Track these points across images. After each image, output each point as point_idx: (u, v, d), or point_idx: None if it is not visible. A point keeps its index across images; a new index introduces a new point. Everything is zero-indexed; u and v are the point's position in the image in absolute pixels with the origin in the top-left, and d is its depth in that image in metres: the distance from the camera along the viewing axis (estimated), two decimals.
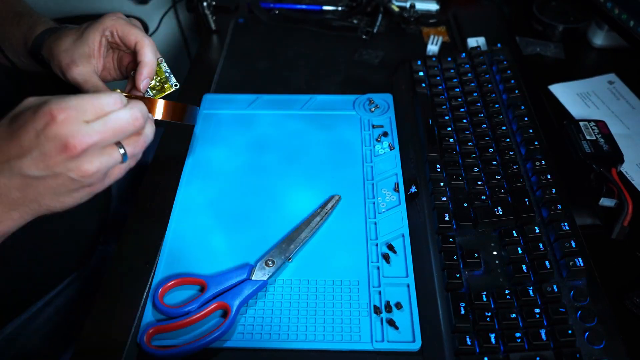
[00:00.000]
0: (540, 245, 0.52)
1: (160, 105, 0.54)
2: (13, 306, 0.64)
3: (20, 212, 0.43)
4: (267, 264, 0.54)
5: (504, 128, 0.64)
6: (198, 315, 0.50)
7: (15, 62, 0.66)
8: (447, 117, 0.66)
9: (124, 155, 0.45)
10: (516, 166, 0.60)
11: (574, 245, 0.51)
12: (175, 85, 0.60)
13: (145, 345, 0.47)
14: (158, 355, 0.47)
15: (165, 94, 0.59)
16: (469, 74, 0.73)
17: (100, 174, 0.44)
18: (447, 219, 0.55)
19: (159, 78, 0.59)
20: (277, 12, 0.91)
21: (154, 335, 0.49)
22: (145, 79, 0.57)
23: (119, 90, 0.50)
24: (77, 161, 0.42)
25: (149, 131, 0.48)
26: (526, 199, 0.56)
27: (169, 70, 0.59)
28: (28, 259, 0.63)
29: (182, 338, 0.49)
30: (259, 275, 0.53)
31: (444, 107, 0.68)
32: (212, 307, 0.50)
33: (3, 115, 0.43)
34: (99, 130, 0.42)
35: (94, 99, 0.43)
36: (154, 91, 0.59)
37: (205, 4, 0.85)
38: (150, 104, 0.53)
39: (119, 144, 0.45)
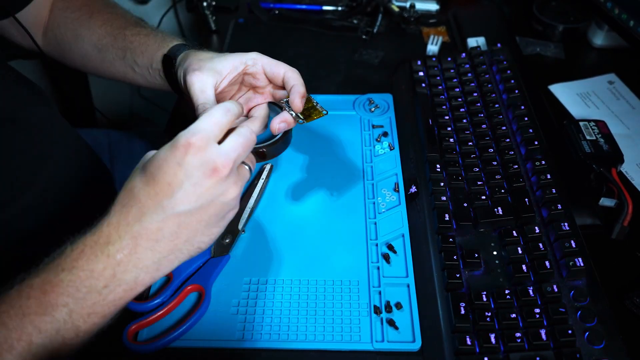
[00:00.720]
0: (540, 245, 0.52)
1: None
2: None
3: (171, 258, 0.43)
4: (223, 240, 0.56)
5: (504, 128, 0.64)
6: (173, 302, 0.50)
7: (138, 79, 0.65)
8: (447, 117, 0.66)
9: (250, 171, 0.46)
10: (516, 166, 0.60)
11: (574, 245, 0.51)
12: (325, 112, 0.56)
13: (130, 343, 0.47)
14: (145, 350, 0.48)
15: (314, 119, 0.55)
16: (469, 74, 0.73)
17: (238, 194, 0.44)
18: (447, 219, 0.55)
19: (307, 106, 0.56)
20: (277, 12, 0.91)
21: (136, 331, 0.49)
22: (298, 98, 0.53)
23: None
24: (225, 183, 0.42)
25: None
26: (526, 199, 0.56)
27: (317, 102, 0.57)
28: (31, 261, 0.63)
29: (165, 327, 0.49)
30: (219, 252, 0.55)
31: (444, 107, 0.68)
32: (186, 291, 0.51)
33: None
34: (234, 147, 0.43)
35: (212, 118, 0.43)
36: (302, 116, 0.55)
37: (205, 4, 0.86)
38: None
39: (244, 162, 0.46)
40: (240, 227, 0.57)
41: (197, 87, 0.52)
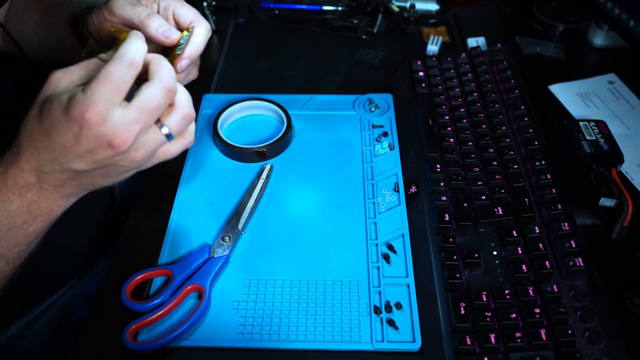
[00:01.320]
0: (540, 245, 0.52)
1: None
2: (16, 308, 0.64)
3: (76, 195, 0.45)
4: (223, 240, 0.56)
5: (504, 128, 0.64)
6: (173, 302, 0.50)
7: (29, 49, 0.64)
8: (447, 117, 0.66)
9: (169, 135, 0.43)
10: (516, 166, 0.60)
11: (574, 245, 0.51)
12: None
13: (130, 343, 0.47)
14: (146, 350, 0.48)
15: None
16: (469, 74, 0.72)
17: (148, 156, 0.43)
18: (447, 219, 0.55)
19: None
20: (277, 12, 0.91)
21: (136, 331, 0.49)
22: (185, 60, 0.50)
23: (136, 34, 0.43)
24: (125, 154, 0.41)
25: (184, 99, 0.44)
26: (526, 199, 0.56)
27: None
28: (32, 261, 0.63)
29: (165, 327, 0.49)
30: (219, 252, 0.55)
31: (444, 107, 0.68)
32: (186, 290, 0.51)
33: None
34: (136, 119, 0.40)
35: (112, 79, 0.39)
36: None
37: (205, 4, 0.85)
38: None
39: (158, 123, 0.42)
40: (240, 227, 0.57)
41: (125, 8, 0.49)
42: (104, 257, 0.74)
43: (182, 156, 0.66)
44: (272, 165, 0.64)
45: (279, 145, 0.63)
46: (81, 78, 0.42)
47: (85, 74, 0.43)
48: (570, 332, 0.46)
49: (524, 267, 0.51)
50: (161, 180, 0.64)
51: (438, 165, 0.60)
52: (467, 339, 0.46)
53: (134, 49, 0.41)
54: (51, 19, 0.63)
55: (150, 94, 0.40)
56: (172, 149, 0.45)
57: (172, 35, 0.50)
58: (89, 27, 0.55)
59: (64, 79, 0.42)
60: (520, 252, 0.52)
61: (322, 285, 0.53)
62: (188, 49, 0.50)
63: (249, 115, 0.71)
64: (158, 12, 0.52)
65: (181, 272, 0.53)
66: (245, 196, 0.60)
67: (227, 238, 0.56)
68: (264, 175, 0.62)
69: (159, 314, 0.50)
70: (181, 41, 0.50)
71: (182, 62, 0.50)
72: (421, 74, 0.73)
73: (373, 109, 0.72)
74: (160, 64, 0.42)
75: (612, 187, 0.60)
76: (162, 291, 0.51)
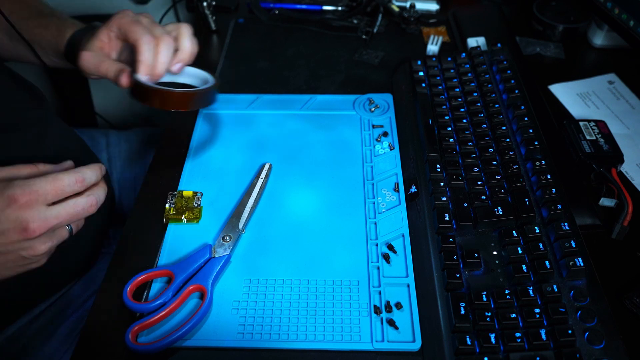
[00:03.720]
0: (540, 245, 0.52)
1: (167, 97, 0.57)
2: (16, 307, 0.64)
3: None
4: (224, 240, 0.56)
5: (504, 128, 0.64)
6: (175, 303, 0.50)
7: (45, 61, 0.69)
8: (447, 117, 0.66)
9: (70, 232, 0.49)
10: (516, 166, 0.60)
11: (574, 245, 0.51)
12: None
13: (132, 344, 0.47)
14: (148, 351, 0.48)
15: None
16: (469, 74, 0.73)
17: (49, 251, 0.48)
18: (447, 219, 0.55)
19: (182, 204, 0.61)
20: (277, 12, 0.91)
21: (138, 332, 0.49)
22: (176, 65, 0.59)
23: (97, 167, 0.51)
24: (32, 242, 0.45)
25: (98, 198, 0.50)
26: (526, 199, 0.56)
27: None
28: None
29: (167, 327, 0.49)
30: (220, 252, 0.55)
31: (444, 107, 0.68)
32: (188, 290, 0.51)
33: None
34: (57, 216, 0.46)
35: (54, 182, 0.46)
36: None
37: (205, 4, 0.85)
38: (156, 95, 0.56)
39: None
40: (240, 226, 0.57)
41: (89, 66, 0.59)
42: (103, 257, 0.74)
43: (182, 156, 0.66)
44: (270, 165, 0.64)
45: (203, 97, 0.60)
46: (9, 175, 0.48)
47: (14, 174, 0.48)
48: (570, 332, 0.46)
49: (524, 267, 0.51)
50: (161, 180, 0.64)
51: (438, 165, 0.60)
52: (467, 339, 0.46)
53: (90, 175, 0.49)
54: (36, 25, 0.66)
55: (77, 202, 0.47)
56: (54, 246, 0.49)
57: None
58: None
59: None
60: (520, 252, 0.52)
61: (322, 285, 0.53)
62: (179, 55, 0.59)
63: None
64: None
65: (182, 272, 0.52)
66: (245, 196, 0.60)
67: (227, 238, 0.56)
68: (263, 174, 0.62)
69: (161, 314, 0.49)
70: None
71: (175, 67, 0.59)
72: (421, 74, 0.73)
73: (373, 109, 0.72)
74: (100, 186, 0.50)
75: (612, 187, 0.60)
76: (164, 292, 0.51)
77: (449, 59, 0.76)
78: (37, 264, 0.49)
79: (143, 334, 0.49)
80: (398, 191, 0.61)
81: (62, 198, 0.47)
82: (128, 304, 0.50)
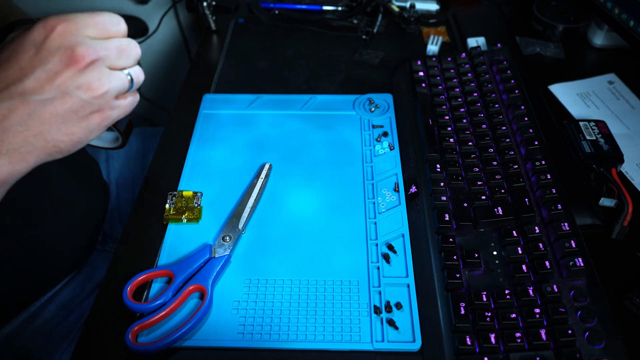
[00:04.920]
0: (540, 245, 0.52)
1: None
2: (12, 306, 0.64)
3: (23, 151, 0.38)
4: (224, 240, 0.56)
5: (504, 128, 0.64)
6: (175, 303, 0.50)
7: None
8: (447, 117, 0.66)
9: (131, 81, 0.43)
10: (516, 166, 0.60)
11: (574, 245, 0.51)
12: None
13: (133, 344, 0.47)
14: (148, 351, 0.48)
15: None
16: (469, 74, 0.73)
17: (110, 96, 0.41)
18: (447, 219, 0.55)
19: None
20: (277, 12, 0.91)
21: (138, 332, 0.49)
22: None
23: None
24: (86, 76, 0.39)
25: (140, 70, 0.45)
26: (526, 199, 0.56)
27: None
28: (27, 258, 0.63)
29: (167, 327, 0.49)
30: (220, 252, 0.55)
31: (444, 107, 0.68)
32: (188, 291, 0.51)
33: None
34: (104, 47, 0.39)
35: (95, 15, 0.40)
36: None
37: (205, 4, 0.85)
38: None
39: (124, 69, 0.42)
40: (240, 226, 0.57)
41: None
42: (99, 254, 0.74)
43: (182, 156, 0.66)
44: (270, 165, 0.64)
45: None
46: None
47: None
48: (570, 332, 0.46)
49: (524, 267, 0.51)
50: (161, 180, 0.64)
51: (438, 165, 0.60)
52: (467, 339, 0.46)
53: (123, 22, 0.42)
54: None
55: (121, 40, 0.41)
56: (125, 103, 0.43)
57: None
58: None
59: None
60: (520, 252, 0.52)
61: (322, 285, 0.53)
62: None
63: None
64: None
65: (182, 272, 0.52)
66: (245, 196, 0.60)
67: (227, 238, 0.56)
68: (263, 174, 0.62)
69: (161, 314, 0.49)
70: None
71: None
72: (421, 74, 0.73)
73: (373, 109, 0.72)
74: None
75: (612, 187, 0.60)
76: (164, 292, 0.51)
77: (449, 59, 0.76)
78: (103, 114, 0.41)
79: (143, 334, 0.49)
80: (398, 191, 0.61)
81: (104, 37, 0.40)
82: (128, 304, 0.50)
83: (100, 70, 0.40)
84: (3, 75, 0.37)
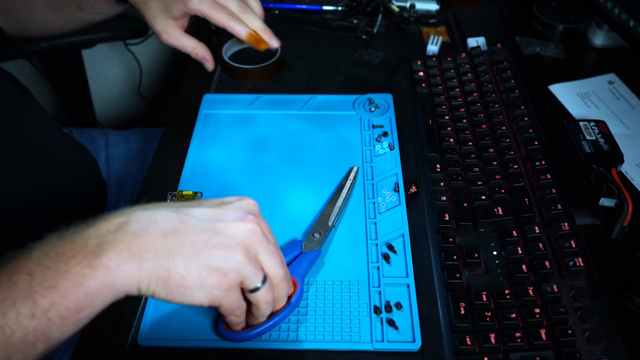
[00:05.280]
0: (540, 245, 0.52)
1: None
2: None
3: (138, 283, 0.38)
4: (314, 236, 0.56)
5: (504, 128, 0.64)
6: None
7: (93, 17, 0.70)
8: (447, 117, 0.66)
9: (258, 288, 0.43)
10: (516, 166, 0.60)
11: (574, 245, 0.51)
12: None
13: (224, 330, 0.48)
14: (240, 339, 0.48)
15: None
16: (469, 74, 0.72)
17: (243, 252, 0.41)
18: (447, 219, 0.55)
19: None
20: (277, 12, 0.91)
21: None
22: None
23: None
24: (235, 234, 0.42)
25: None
26: (526, 199, 0.56)
27: None
28: None
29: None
30: (310, 247, 0.55)
31: (444, 107, 0.68)
32: None
33: None
34: (274, 262, 0.43)
35: (280, 267, 0.44)
36: None
37: None
38: None
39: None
40: (330, 223, 0.58)
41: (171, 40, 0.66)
42: None
43: (182, 156, 0.66)
44: (358, 167, 0.64)
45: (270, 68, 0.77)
46: None
47: None
48: (570, 332, 0.46)
49: (524, 267, 0.51)
50: (161, 180, 0.64)
51: (438, 165, 0.60)
52: (467, 339, 0.46)
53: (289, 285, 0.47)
54: None
55: (279, 276, 0.44)
56: (236, 297, 0.43)
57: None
58: None
59: None
60: (520, 252, 0.52)
61: (322, 285, 0.53)
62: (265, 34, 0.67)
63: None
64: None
65: None
66: (333, 196, 0.60)
67: (317, 234, 0.56)
68: (351, 176, 0.62)
69: None
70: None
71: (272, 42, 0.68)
72: (421, 74, 0.73)
73: (373, 109, 0.72)
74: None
75: (612, 187, 0.60)
76: None
77: (449, 59, 0.76)
78: (225, 257, 0.40)
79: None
80: (398, 191, 0.61)
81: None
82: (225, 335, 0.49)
83: (248, 252, 0.42)
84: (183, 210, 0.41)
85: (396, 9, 0.89)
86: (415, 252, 0.55)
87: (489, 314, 0.48)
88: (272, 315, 0.48)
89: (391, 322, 0.50)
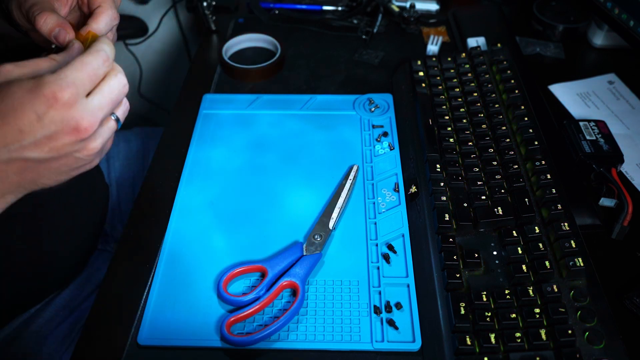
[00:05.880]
0: (540, 245, 0.52)
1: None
2: (13, 307, 0.64)
3: (15, 194, 0.41)
4: (314, 239, 0.56)
5: (504, 128, 0.64)
6: (268, 298, 0.51)
7: None
8: (447, 117, 0.66)
9: (118, 121, 0.44)
10: (516, 166, 0.60)
11: (574, 245, 0.51)
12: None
13: (227, 335, 0.48)
14: (242, 343, 0.48)
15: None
16: (469, 74, 0.72)
17: (101, 147, 0.43)
18: (447, 219, 0.55)
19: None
20: (277, 12, 0.91)
21: (234, 324, 0.50)
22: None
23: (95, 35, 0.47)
24: (86, 142, 0.40)
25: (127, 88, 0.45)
26: (526, 199, 0.56)
27: None
28: (28, 260, 0.63)
29: (261, 322, 0.50)
30: (311, 250, 0.55)
31: (444, 107, 0.68)
32: (281, 286, 0.52)
33: None
34: (100, 107, 0.41)
35: (87, 68, 0.40)
36: None
37: (205, 4, 0.85)
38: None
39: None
40: (330, 226, 0.57)
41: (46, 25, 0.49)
42: (100, 254, 0.74)
43: (182, 156, 0.66)
44: (358, 166, 0.64)
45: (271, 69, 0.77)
46: (33, 72, 0.41)
47: (36, 70, 0.41)
48: (570, 332, 0.46)
49: (524, 267, 0.51)
50: (161, 180, 0.64)
51: (438, 165, 0.60)
52: (467, 339, 0.46)
53: (109, 49, 0.42)
54: None
55: (111, 85, 0.42)
56: (111, 140, 0.44)
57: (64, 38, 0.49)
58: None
59: (15, 71, 0.40)
60: (520, 252, 0.52)
61: (322, 285, 0.53)
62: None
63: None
64: None
65: (274, 268, 0.53)
66: (333, 198, 0.60)
67: (317, 237, 0.56)
68: (351, 176, 0.62)
69: (255, 308, 0.50)
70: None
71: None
72: (421, 74, 0.73)
73: (373, 109, 0.72)
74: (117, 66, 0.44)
75: (612, 187, 0.60)
76: (258, 287, 0.51)
77: (449, 59, 0.76)
78: (90, 165, 0.44)
79: (237, 327, 0.50)
80: (398, 191, 0.61)
81: (96, 84, 0.41)
82: (224, 296, 0.51)
83: (97, 132, 0.41)
84: (1, 132, 0.38)
85: (396, 9, 0.89)
86: (415, 252, 0.55)
87: (489, 314, 0.48)
88: (277, 319, 0.49)
89: (391, 322, 0.50)
